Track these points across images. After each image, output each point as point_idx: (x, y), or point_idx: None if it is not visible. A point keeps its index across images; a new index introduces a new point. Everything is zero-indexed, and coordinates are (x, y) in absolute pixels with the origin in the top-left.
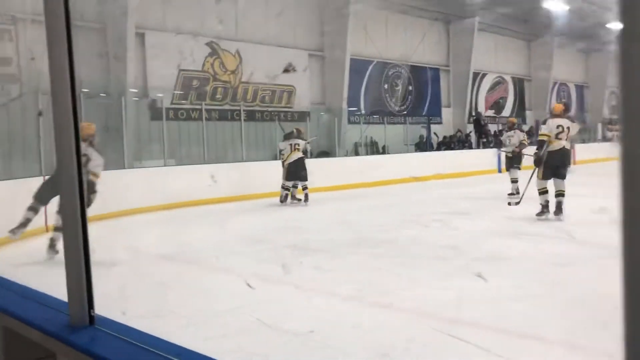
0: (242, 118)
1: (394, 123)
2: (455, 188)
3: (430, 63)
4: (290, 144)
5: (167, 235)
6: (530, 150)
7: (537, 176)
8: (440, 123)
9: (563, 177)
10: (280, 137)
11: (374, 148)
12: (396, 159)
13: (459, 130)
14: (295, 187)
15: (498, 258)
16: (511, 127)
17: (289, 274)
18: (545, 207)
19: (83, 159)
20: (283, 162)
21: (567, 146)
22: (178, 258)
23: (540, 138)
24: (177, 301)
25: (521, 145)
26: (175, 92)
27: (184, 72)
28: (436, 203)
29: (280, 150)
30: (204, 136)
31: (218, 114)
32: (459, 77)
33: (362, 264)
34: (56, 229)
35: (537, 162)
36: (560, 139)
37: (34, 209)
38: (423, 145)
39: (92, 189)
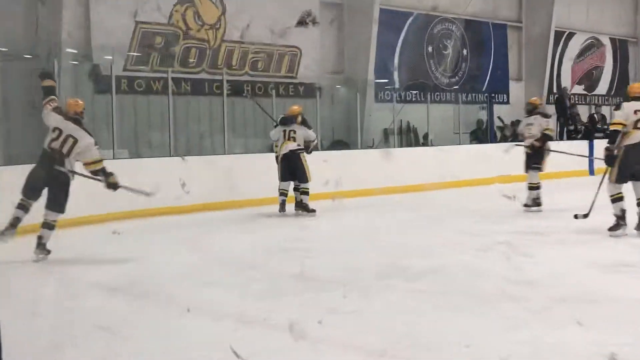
0: (225, 92)
1: (440, 102)
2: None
3: (494, 17)
4: (285, 130)
5: (113, 259)
6: (556, 146)
7: (609, 179)
8: (506, 103)
9: None
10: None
11: (412, 137)
12: (443, 154)
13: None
14: (297, 190)
15: (592, 299)
16: (531, 112)
17: (291, 317)
18: (620, 218)
19: (69, 142)
20: (277, 157)
21: None
22: (129, 291)
23: (612, 128)
24: (125, 357)
25: (544, 137)
26: (130, 54)
27: (142, 25)
28: (500, 218)
29: (274, 141)
30: (170, 117)
31: (191, 85)
32: (535, 37)
33: (395, 305)
34: (44, 225)
35: (609, 159)
36: None
37: (23, 207)
38: (482, 134)
39: (112, 184)
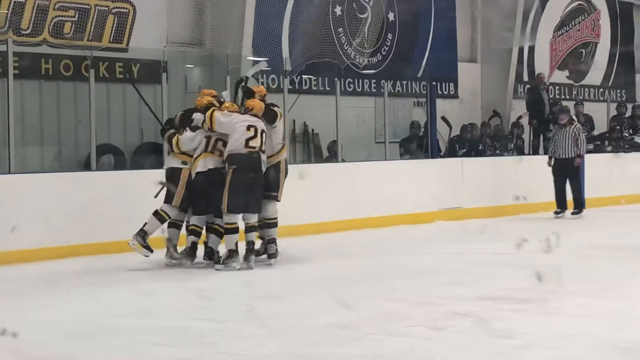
0: (10, 72)
1: (355, 93)
2: (491, 239)
3: None
4: (208, 137)
5: None
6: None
7: None
8: (454, 96)
9: None
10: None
11: (311, 147)
12: (358, 173)
13: (495, 114)
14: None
15: None
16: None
17: None
18: None
19: None
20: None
21: None
22: None
23: None
24: None
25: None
26: None
27: None
28: (457, 275)
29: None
30: None
31: None
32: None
33: None
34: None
35: None
36: None
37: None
38: (418, 144)
39: None
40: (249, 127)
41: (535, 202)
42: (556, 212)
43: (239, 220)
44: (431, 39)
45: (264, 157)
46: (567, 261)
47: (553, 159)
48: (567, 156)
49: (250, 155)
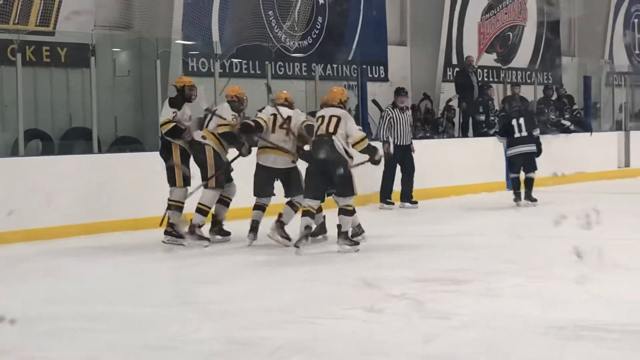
0: None
1: (286, 76)
2: (424, 221)
3: None
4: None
5: None
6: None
7: None
8: (384, 79)
9: None
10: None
11: None
12: None
13: (425, 97)
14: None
15: None
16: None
17: None
18: None
19: None
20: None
21: None
22: None
23: None
24: None
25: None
26: None
27: None
28: (393, 255)
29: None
30: None
31: None
32: None
33: None
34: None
35: None
36: None
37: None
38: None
39: None
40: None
41: (469, 184)
42: (387, 203)
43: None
44: (361, 22)
45: None
46: (499, 243)
47: (392, 146)
48: (405, 143)
49: None
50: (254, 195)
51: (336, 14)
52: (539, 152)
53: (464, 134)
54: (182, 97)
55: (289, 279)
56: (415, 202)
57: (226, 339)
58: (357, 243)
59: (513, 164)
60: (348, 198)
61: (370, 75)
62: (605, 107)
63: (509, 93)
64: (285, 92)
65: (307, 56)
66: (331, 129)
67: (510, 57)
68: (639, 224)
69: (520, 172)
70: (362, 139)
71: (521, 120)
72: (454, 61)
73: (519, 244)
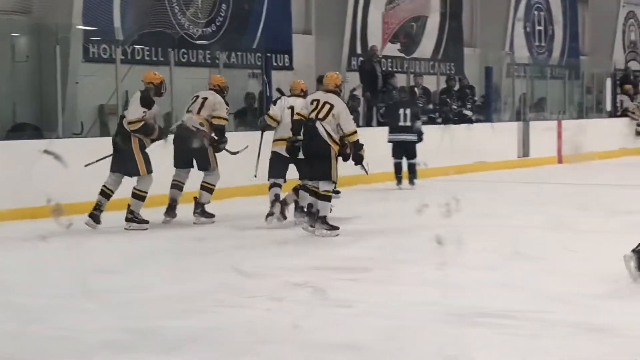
0: None
1: (190, 63)
2: None
3: None
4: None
5: None
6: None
7: None
8: (289, 68)
9: None
10: None
11: None
12: None
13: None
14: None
15: None
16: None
17: None
18: None
19: None
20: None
21: None
22: None
23: None
24: None
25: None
26: None
27: None
28: (288, 244)
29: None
30: None
31: None
32: None
33: None
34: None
35: None
36: None
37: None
38: (253, 116)
39: None
40: None
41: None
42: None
43: None
44: (266, 10)
45: None
46: (400, 231)
47: None
48: None
49: None
50: (269, 178)
51: (241, 2)
52: (419, 140)
53: (368, 123)
54: (156, 93)
55: (188, 268)
56: (338, 192)
57: (124, 329)
58: (336, 228)
59: (394, 150)
60: (328, 183)
61: (275, 64)
62: (506, 98)
63: (412, 83)
64: (301, 81)
65: (210, 43)
66: (321, 115)
67: (414, 48)
68: (535, 212)
69: (403, 158)
70: (353, 133)
71: (407, 111)
72: (359, 50)
73: (422, 233)
